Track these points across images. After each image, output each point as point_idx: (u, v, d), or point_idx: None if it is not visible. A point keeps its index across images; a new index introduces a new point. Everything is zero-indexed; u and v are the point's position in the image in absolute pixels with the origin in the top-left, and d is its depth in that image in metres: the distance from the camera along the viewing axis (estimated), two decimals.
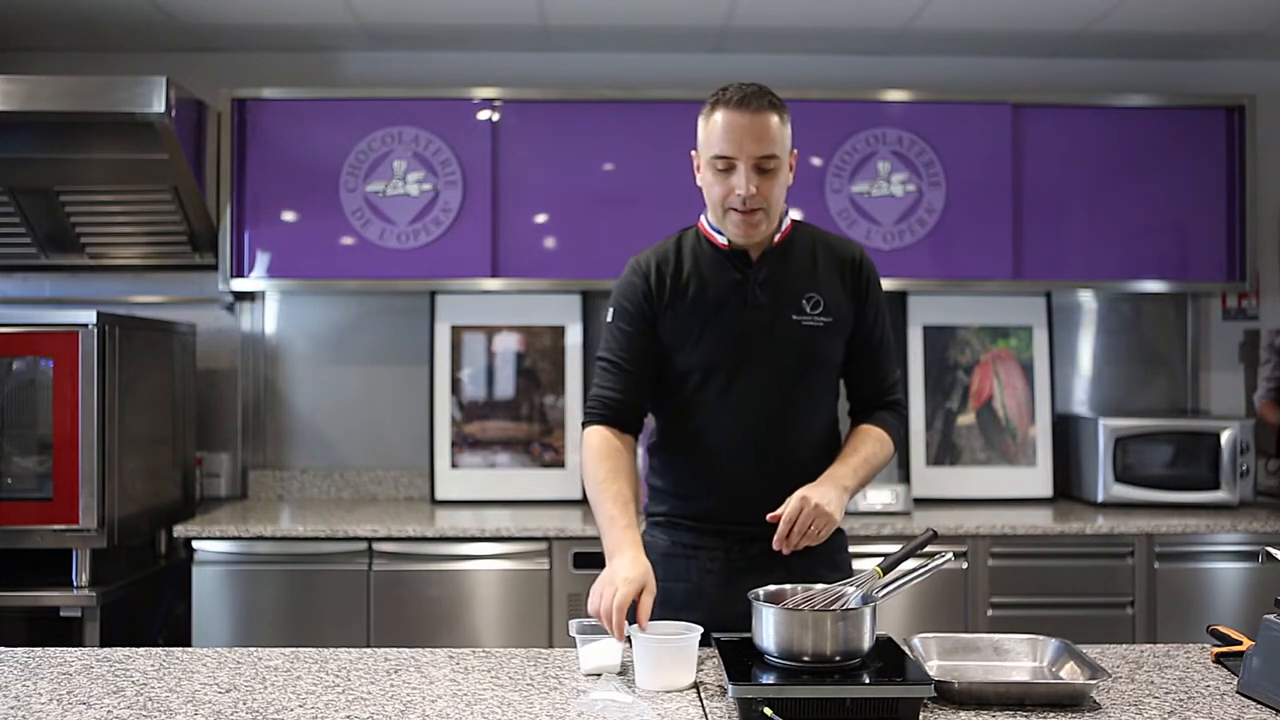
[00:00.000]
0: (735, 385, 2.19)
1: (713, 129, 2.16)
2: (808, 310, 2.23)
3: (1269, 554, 1.91)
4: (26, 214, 3.90)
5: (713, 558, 2.23)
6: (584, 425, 2.27)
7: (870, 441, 2.25)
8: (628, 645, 1.92)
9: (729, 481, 2.20)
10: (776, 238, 2.25)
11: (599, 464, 2.19)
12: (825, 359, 2.25)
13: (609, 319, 2.28)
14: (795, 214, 4.00)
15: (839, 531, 2.33)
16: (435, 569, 3.59)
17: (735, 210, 2.16)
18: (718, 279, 2.23)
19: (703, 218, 2.30)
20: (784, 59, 4.34)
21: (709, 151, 2.17)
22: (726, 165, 2.15)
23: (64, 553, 3.30)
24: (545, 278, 4.00)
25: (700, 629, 1.89)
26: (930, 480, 4.11)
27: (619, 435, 2.23)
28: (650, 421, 2.35)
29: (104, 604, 3.27)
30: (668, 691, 1.82)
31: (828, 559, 2.26)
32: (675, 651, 1.84)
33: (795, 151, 2.23)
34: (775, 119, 2.15)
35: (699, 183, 2.25)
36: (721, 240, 2.24)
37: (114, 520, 3.32)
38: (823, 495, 2.06)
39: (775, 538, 2.05)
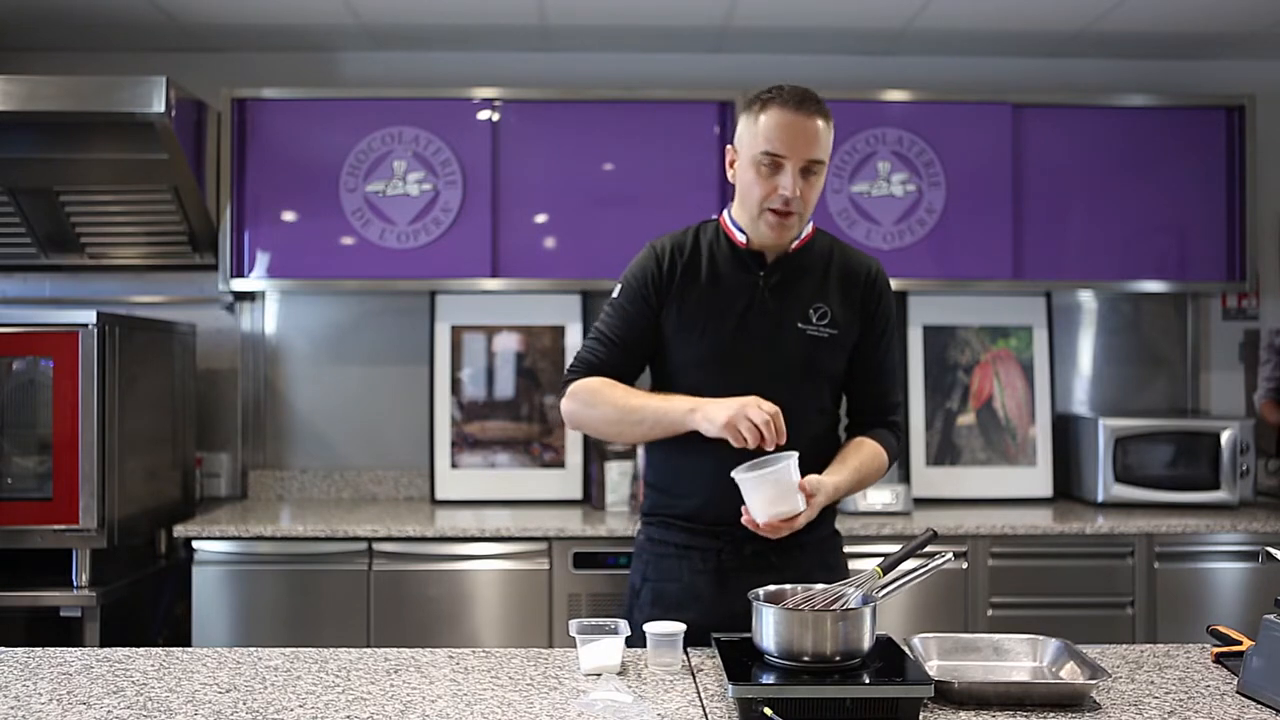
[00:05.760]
0: (731, 385, 2.16)
1: (764, 126, 2.14)
2: (813, 320, 2.22)
3: (1269, 554, 1.91)
4: (26, 214, 3.90)
5: (705, 557, 2.23)
6: (566, 383, 2.27)
7: (863, 454, 2.25)
8: (625, 645, 1.92)
9: (721, 482, 2.17)
10: (795, 244, 2.24)
11: (606, 389, 2.22)
12: (825, 370, 2.25)
13: (614, 294, 2.29)
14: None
15: (834, 533, 2.34)
16: (435, 569, 3.59)
17: (773, 211, 2.15)
18: (729, 277, 2.23)
19: (725, 213, 2.29)
20: (784, 59, 4.34)
21: (756, 148, 2.15)
22: (774, 163, 2.14)
23: (64, 553, 3.30)
24: (545, 278, 3.99)
25: (795, 453, 2.01)
26: (930, 480, 4.11)
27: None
28: None
29: (104, 604, 3.27)
30: (782, 521, 2.01)
31: (821, 560, 2.26)
32: (779, 481, 2.00)
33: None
34: (824, 124, 2.16)
35: (733, 179, 2.23)
36: (741, 239, 2.24)
37: (114, 520, 3.32)
38: (811, 485, 2.10)
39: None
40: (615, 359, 2.25)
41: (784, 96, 2.14)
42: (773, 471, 2.01)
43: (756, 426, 2.00)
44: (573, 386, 2.25)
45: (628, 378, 2.27)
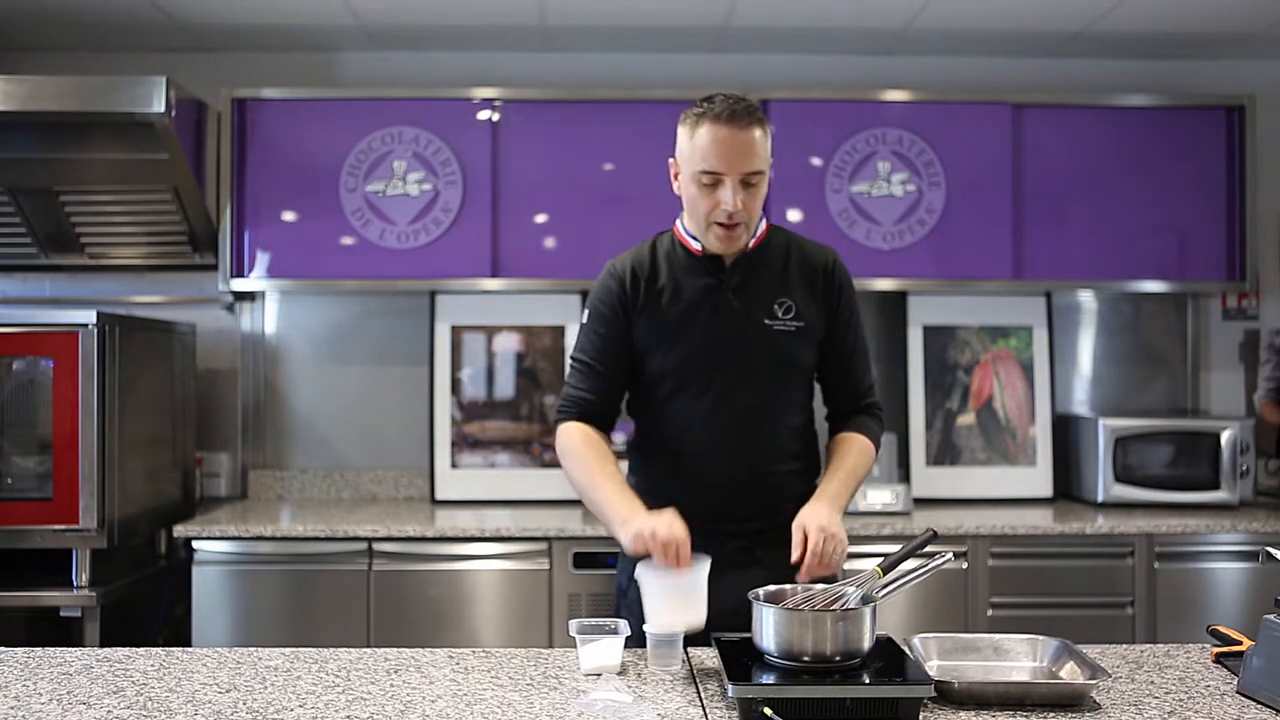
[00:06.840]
0: (708, 389, 2.22)
1: (700, 143, 2.16)
2: (779, 315, 2.25)
3: (1269, 554, 1.91)
4: (26, 214, 3.90)
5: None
6: (557, 422, 2.31)
7: (854, 452, 2.27)
8: (626, 646, 1.92)
9: (704, 482, 2.21)
10: (751, 243, 2.28)
11: (586, 450, 2.24)
12: (797, 363, 2.27)
13: (584, 320, 2.33)
14: (794, 214, 4.03)
15: None
16: (435, 569, 3.59)
17: (719, 224, 2.18)
18: (691, 284, 2.26)
19: (678, 222, 2.33)
20: (784, 59, 4.34)
21: (695, 166, 2.18)
22: (713, 180, 2.16)
23: (64, 553, 3.30)
24: (545, 278, 3.99)
25: (709, 560, 1.94)
26: (930, 480, 4.11)
27: (595, 432, 2.28)
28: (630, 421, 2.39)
29: (104, 604, 3.27)
30: (683, 633, 1.89)
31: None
32: (686, 589, 1.89)
33: (770, 161, 2.26)
34: (760, 133, 2.17)
35: (677, 191, 2.26)
36: (696, 246, 2.27)
37: (114, 520, 3.32)
38: (826, 518, 2.07)
39: (801, 570, 2.04)
40: (598, 386, 2.28)
41: (715, 111, 2.15)
42: (685, 574, 1.93)
43: (661, 545, 1.97)
44: (561, 428, 2.30)
45: (614, 399, 2.31)
